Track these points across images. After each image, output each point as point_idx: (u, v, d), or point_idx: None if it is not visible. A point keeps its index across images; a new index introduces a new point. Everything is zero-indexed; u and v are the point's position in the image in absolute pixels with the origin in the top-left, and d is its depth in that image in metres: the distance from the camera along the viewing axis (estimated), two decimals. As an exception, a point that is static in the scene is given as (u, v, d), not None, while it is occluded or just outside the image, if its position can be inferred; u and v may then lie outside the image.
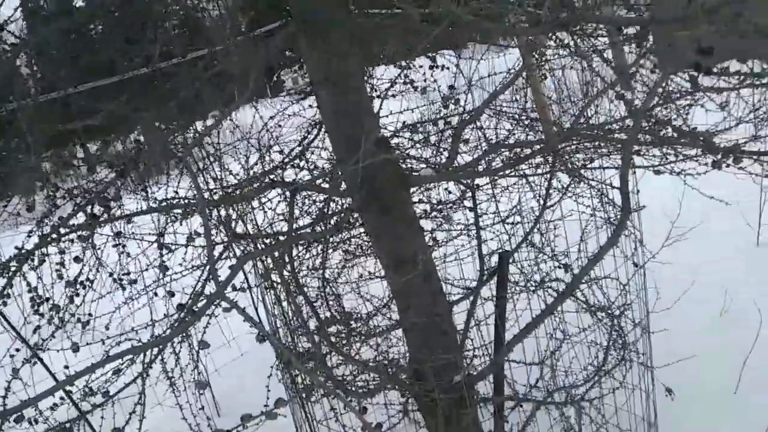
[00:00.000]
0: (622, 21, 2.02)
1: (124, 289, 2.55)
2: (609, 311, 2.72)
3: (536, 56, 2.92)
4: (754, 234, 4.66)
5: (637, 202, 2.79)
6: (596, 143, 2.64)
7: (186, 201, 2.40)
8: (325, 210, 2.63)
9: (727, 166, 2.26)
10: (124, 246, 2.57)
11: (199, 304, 1.77)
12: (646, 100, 2.44)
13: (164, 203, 2.38)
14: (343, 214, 2.50)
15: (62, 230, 2.24)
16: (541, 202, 2.79)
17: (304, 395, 2.53)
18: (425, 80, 2.90)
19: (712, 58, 1.99)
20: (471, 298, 2.76)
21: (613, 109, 2.74)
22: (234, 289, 2.05)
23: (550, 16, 2.02)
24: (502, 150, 2.69)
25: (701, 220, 4.07)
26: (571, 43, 2.32)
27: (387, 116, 2.69)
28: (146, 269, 2.48)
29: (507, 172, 2.71)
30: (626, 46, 2.73)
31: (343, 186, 2.53)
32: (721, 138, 2.34)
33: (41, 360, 2.45)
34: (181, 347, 2.21)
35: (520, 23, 2.48)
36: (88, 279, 2.43)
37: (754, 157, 2.18)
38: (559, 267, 2.76)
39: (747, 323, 3.45)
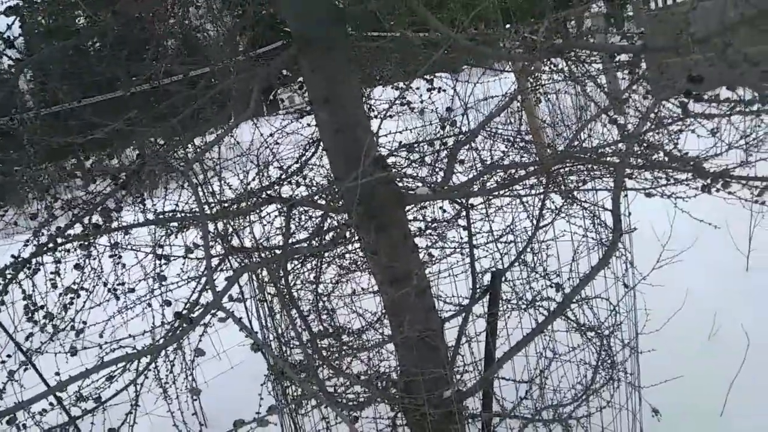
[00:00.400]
0: (615, 48, 2.09)
1: (118, 298, 2.58)
2: (599, 331, 2.76)
3: (531, 81, 2.99)
4: (744, 258, 4.72)
5: (628, 224, 2.84)
6: (589, 166, 2.69)
7: (184, 214, 2.44)
8: (322, 225, 2.67)
9: (717, 190, 2.32)
10: (120, 257, 2.60)
11: (196, 313, 1.80)
12: (638, 125, 2.51)
13: (162, 216, 2.42)
14: (338, 230, 2.54)
15: (59, 240, 2.28)
16: (534, 222, 2.83)
17: (294, 406, 2.55)
18: (422, 102, 2.96)
19: (702, 85, 2.06)
20: (463, 314, 2.79)
21: (606, 133, 2.80)
22: (230, 299, 2.08)
23: (545, 43, 2.09)
24: (497, 171, 2.74)
25: (692, 243, 4.12)
26: (565, 69, 2.38)
27: (385, 135, 2.75)
28: (142, 279, 2.50)
29: (501, 192, 2.76)
30: (619, 73, 2.80)
31: (340, 203, 2.58)
32: (711, 163, 2.40)
33: (33, 365, 2.47)
34: (175, 356, 2.24)
35: (516, 49, 2.55)
36: (83, 288, 2.46)
37: (743, 182, 2.24)
38: (551, 286, 2.80)
39: (735, 347, 3.49)
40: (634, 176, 2.63)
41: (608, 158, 2.55)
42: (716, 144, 2.48)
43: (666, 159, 2.30)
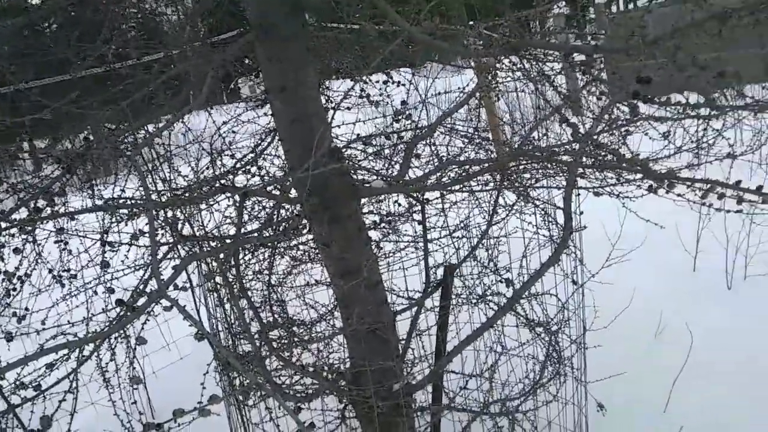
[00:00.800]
0: (568, 48, 2.11)
1: (63, 285, 2.51)
2: (547, 327, 2.80)
3: (489, 78, 3.00)
4: (692, 259, 4.84)
5: (579, 222, 2.89)
6: (543, 164, 2.72)
7: (133, 201, 2.39)
8: (273, 216, 2.65)
9: (667, 191, 2.37)
10: (66, 243, 2.54)
11: (140, 302, 1.77)
12: (592, 126, 2.54)
13: (110, 202, 2.37)
14: (291, 221, 2.52)
15: (2, 224, 2.21)
16: (488, 218, 2.86)
17: (240, 397, 2.53)
18: (381, 95, 2.95)
19: (653, 89, 2.10)
20: (415, 308, 2.81)
21: (561, 133, 2.84)
22: (176, 288, 2.04)
23: (501, 40, 2.10)
24: (453, 166, 2.75)
25: (641, 243, 4.22)
26: (518, 68, 2.40)
27: (339, 126, 2.74)
28: (87, 266, 2.45)
29: (456, 187, 2.78)
30: (578, 73, 2.84)
31: (294, 193, 2.56)
32: (661, 165, 2.45)
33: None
34: (117, 343, 2.20)
35: (475, 45, 2.56)
36: (26, 274, 2.39)
37: (687, 183, 2.30)
38: (501, 282, 2.83)
39: (679, 346, 3.58)
40: (586, 175, 2.67)
41: (561, 157, 2.58)
42: (666, 146, 2.53)
43: (615, 159, 2.34)
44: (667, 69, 2.07)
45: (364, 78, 2.60)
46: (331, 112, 2.66)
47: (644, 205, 2.66)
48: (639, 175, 2.39)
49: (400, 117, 2.75)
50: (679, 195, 2.33)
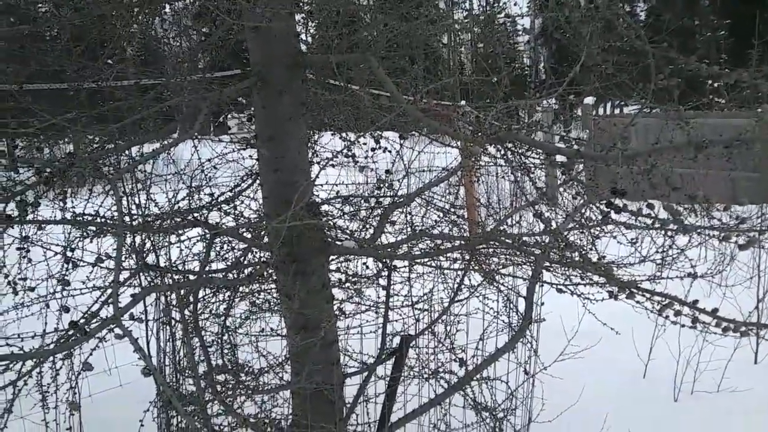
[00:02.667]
0: (552, 149, 2.20)
1: (16, 293, 2.46)
2: (493, 413, 2.80)
3: (473, 160, 3.09)
4: (644, 366, 4.89)
5: (539, 313, 2.93)
6: (512, 251, 2.78)
7: (104, 220, 2.38)
8: (242, 259, 2.65)
9: (627, 297, 2.43)
10: (28, 251, 2.50)
11: (92, 325, 1.75)
12: (563, 223, 2.62)
13: (81, 218, 2.35)
14: (258, 267, 2.52)
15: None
16: (451, 295, 2.89)
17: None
18: (366, 158, 3.01)
19: (627, 196, 2.19)
20: (366, 373, 2.79)
21: (534, 223, 2.91)
22: (132, 317, 2.02)
23: (490, 129, 2.18)
24: (425, 238, 2.79)
25: (596, 342, 4.25)
26: (502, 155, 2.48)
27: (322, 185, 2.78)
28: (45, 279, 2.40)
29: (425, 260, 2.81)
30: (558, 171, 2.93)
31: (265, 239, 2.57)
32: (625, 271, 2.51)
33: None
34: (62, 364, 2.14)
35: (463, 128, 2.65)
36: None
37: (647, 295, 2.36)
38: (455, 360, 2.84)
39: (619, 451, 3.58)
40: (551, 269, 2.73)
41: (530, 248, 2.65)
42: (632, 254, 2.61)
43: (581, 260, 2.40)
44: (641, 183, 2.17)
45: (354, 141, 2.66)
46: (315, 168, 2.70)
47: (603, 302, 2.70)
48: (602, 279, 2.46)
49: (382, 185, 2.80)
50: (638, 302, 2.39)
